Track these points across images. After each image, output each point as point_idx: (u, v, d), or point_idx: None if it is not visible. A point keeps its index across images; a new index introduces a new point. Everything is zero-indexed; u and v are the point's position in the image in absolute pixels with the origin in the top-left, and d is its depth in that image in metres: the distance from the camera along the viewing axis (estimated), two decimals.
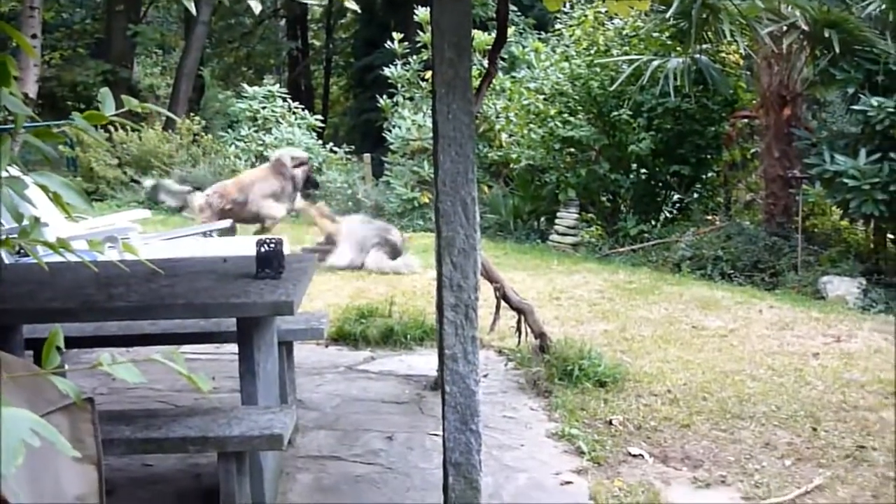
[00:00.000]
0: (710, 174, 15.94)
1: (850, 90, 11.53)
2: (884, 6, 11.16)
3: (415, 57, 17.91)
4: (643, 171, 15.46)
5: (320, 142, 20.01)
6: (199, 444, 4.32)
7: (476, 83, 5.71)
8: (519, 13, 23.46)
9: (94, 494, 2.31)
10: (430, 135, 5.07)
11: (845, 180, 10.67)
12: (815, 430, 6.02)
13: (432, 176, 4.28)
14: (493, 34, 7.40)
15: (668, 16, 11.49)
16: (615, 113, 14.93)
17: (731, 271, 12.10)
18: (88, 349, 6.39)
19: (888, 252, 11.85)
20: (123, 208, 17.56)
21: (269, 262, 5.02)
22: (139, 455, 5.23)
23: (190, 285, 4.86)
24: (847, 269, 11.25)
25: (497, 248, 14.07)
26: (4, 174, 2.20)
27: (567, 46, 16.59)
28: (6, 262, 7.27)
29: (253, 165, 19.43)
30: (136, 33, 27.92)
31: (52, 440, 1.70)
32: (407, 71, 18.01)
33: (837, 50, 10.60)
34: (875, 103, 10.65)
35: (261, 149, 19.03)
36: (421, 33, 16.81)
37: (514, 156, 16.27)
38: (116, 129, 20.57)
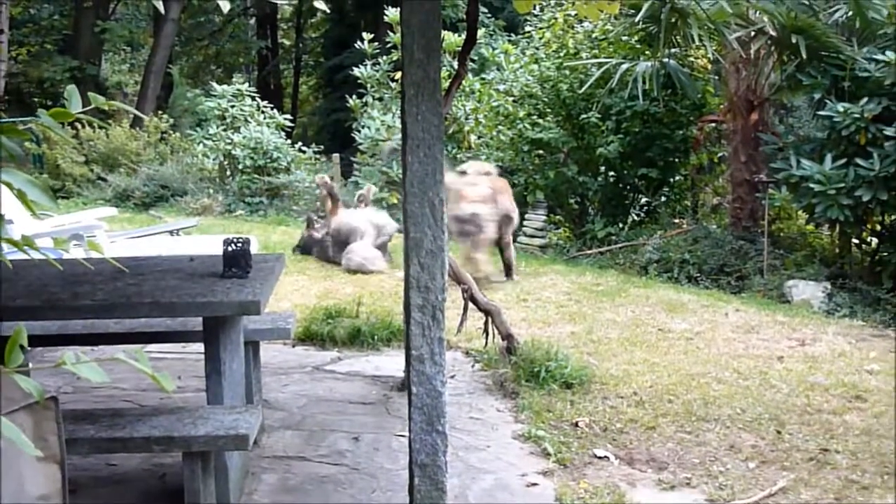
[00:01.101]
0: (677, 178, 16.00)
1: (817, 96, 11.59)
2: (850, 13, 11.24)
3: (384, 57, 17.89)
4: (611, 173, 15.50)
5: (289, 141, 19.93)
6: (164, 444, 4.29)
7: (445, 84, 5.71)
8: (489, 15, 23.51)
9: (57, 494, 2.30)
10: (399, 135, 5.05)
11: (811, 185, 10.74)
12: (779, 432, 6.06)
13: (401, 176, 4.27)
14: (463, 35, 7.39)
15: (637, 20, 11.52)
16: (584, 116, 14.95)
17: (698, 274, 12.15)
18: (53, 347, 6.35)
19: (853, 256, 11.93)
20: (90, 206, 17.47)
21: (236, 261, 5.00)
22: (103, 455, 5.21)
23: (156, 284, 4.83)
24: (812, 274, 11.31)
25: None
26: None
27: (536, 49, 16.61)
28: None
29: (221, 164, 19.37)
30: (105, 30, 27.76)
31: (15, 439, 1.69)
32: (377, 71, 17.99)
33: (804, 56, 10.67)
34: (841, 109, 10.73)
35: (229, 147, 18.93)
36: (391, 34, 16.78)
37: (482, 157, 16.26)
38: (83, 127, 20.46)
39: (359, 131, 17.65)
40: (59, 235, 8.19)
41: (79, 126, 20.28)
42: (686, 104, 14.79)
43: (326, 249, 12.22)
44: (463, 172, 11.79)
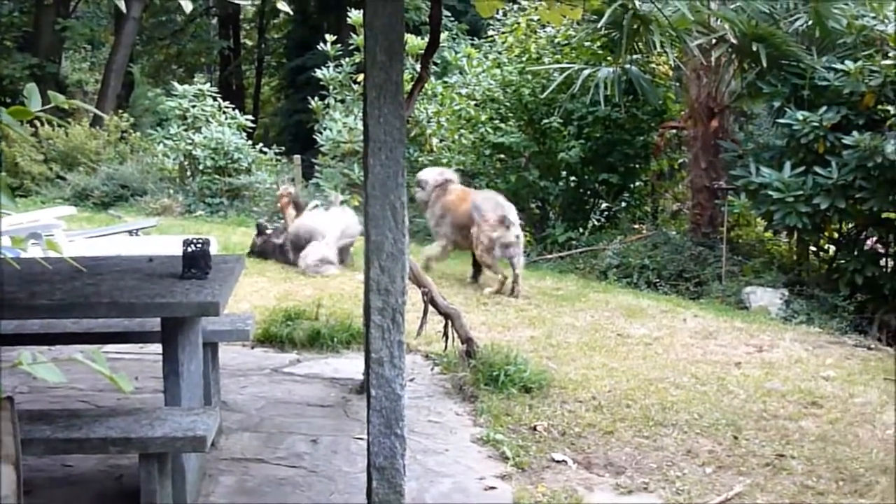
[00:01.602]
0: (638, 183, 16.09)
1: (777, 104, 11.69)
2: (810, 22, 11.34)
3: (347, 59, 17.86)
4: (572, 178, 15.55)
5: (250, 142, 19.85)
6: (121, 445, 4.27)
7: (408, 87, 5.72)
8: (452, 18, 23.51)
9: (11, 495, 2.28)
10: (361, 138, 5.06)
11: (770, 192, 10.83)
12: (735, 438, 6.10)
13: (362, 179, 4.27)
14: (426, 39, 7.39)
15: (599, 25, 11.54)
16: (546, 120, 15.00)
17: (657, 280, 12.21)
18: (9, 347, 6.30)
19: (810, 264, 12.05)
20: (48, 205, 17.35)
21: (196, 261, 4.99)
22: (59, 455, 5.17)
23: (115, 284, 4.80)
24: (770, 280, 11.41)
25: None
26: None
27: (499, 53, 16.66)
28: None
29: (181, 165, 19.28)
30: (66, 28, 27.53)
31: None
32: (339, 73, 17.95)
33: (765, 64, 10.75)
34: (800, 117, 10.83)
35: (189, 148, 18.83)
36: (354, 35, 16.75)
37: (444, 161, 16.26)
38: (42, 125, 20.28)
39: (320, 133, 17.60)
40: (17, 234, 8.13)
41: (38, 124, 20.09)
42: (647, 110, 14.89)
43: (287, 253, 12.18)
44: (421, 183, 11.78)
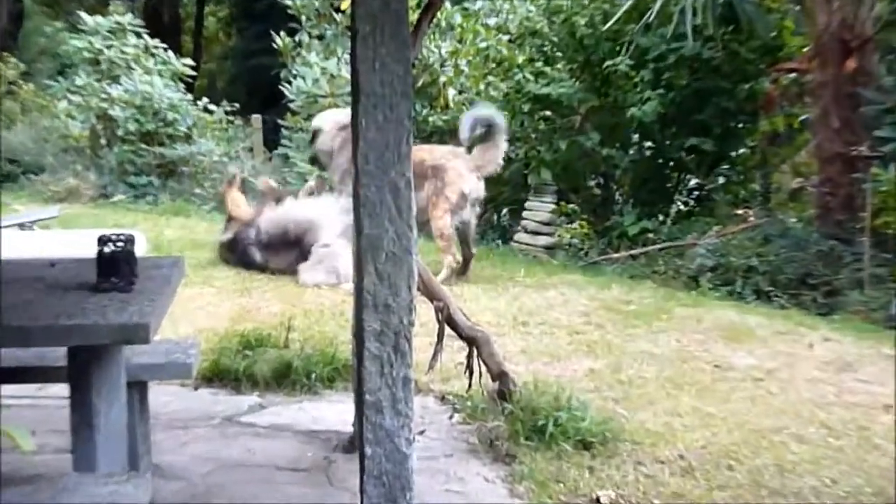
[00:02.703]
0: (741, 151, 16.07)
1: None
2: None
3: None
4: (647, 144, 15.56)
5: (189, 97, 19.91)
6: None
7: (414, 18, 5.73)
8: None
9: None
10: (348, 89, 5.01)
11: None
12: None
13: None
14: None
15: None
16: (609, 63, 14.99)
17: (770, 288, 12.19)
18: None
19: None
20: None
21: (116, 267, 4.99)
22: None
23: (2, 299, 4.82)
24: None
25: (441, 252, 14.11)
26: None
27: None
28: None
29: (93, 130, 19.31)
30: None
31: None
32: None
33: None
34: None
35: (105, 105, 18.87)
36: None
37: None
38: None
39: (289, 83, 17.64)
40: None
41: None
42: (754, 46, 14.85)
43: (251, 253, 12.21)
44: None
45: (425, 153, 12.43)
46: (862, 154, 12.68)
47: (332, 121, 12.72)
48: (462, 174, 12.31)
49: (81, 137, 19.56)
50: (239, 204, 12.80)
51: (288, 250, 12.07)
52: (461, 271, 12.34)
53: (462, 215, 12.38)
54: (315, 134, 12.85)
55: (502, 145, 12.48)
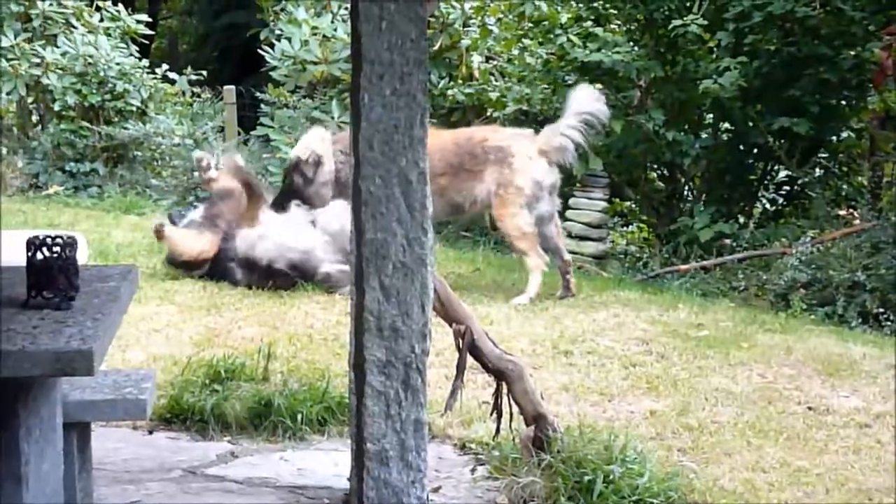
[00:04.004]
0: (844, 135, 16.05)
1: None
2: None
3: None
4: (725, 126, 15.54)
5: (145, 62, 19.94)
6: None
7: None
8: None
9: None
10: (347, 54, 4.99)
11: None
12: None
13: (348, 129, 4.29)
14: None
15: None
16: (677, 22, 14.99)
17: (880, 310, 12.17)
18: None
19: None
20: None
21: (51, 278, 4.99)
22: None
23: None
24: None
25: (461, 261, 14.10)
26: None
27: None
28: None
29: (22, 103, 19.36)
30: None
31: None
32: None
33: None
34: None
35: (37, 73, 18.91)
36: None
37: (494, 95, 16.31)
38: None
39: (271, 46, 17.66)
40: None
41: None
42: (863, 2, 14.82)
43: (231, 272, 12.24)
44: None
45: (488, 132, 12.61)
46: None
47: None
48: (532, 157, 12.40)
49: (6, 113, 19.60)
50: (178, 243, 12.72)
51: (282, 277, 12.11)
52: (564, 289, 12.37)
53: (539, 208, 12.46)
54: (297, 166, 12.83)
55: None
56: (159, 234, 12.98)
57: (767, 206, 15.32)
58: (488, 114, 16.70)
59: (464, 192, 12.27)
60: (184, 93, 20.57)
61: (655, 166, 15.80)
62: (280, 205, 12.64)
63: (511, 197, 12.25)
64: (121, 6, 20.91)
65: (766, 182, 15.60)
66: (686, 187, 15.75)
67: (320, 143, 12.88)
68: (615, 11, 15.59)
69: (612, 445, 7.21)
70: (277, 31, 17.69)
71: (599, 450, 7.17)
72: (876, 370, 9.89)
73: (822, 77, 14.95)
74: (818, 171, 15.68)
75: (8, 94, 19.43)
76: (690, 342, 10.57)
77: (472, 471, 7.59)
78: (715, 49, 15.03)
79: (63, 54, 18.80)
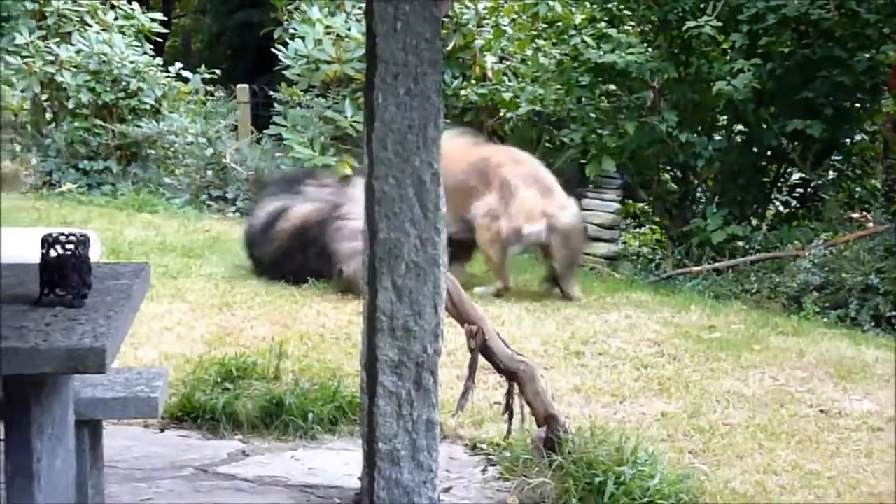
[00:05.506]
0: (857, 138, 16.03)
1: None
2: None
3: None
4: (738, 128, 15.53)
5: (159, 61, 19.93)
6: None
7: None
8: None
9: None
10: (361, 54, 4.98)
11: None
12: None
13: (361, 129, 4.28)
14: None
15: None
16: (691, 24, 14.98)
17: (894, 314, 12.16)
18: None
19: None
20: None
21: (64, 275, 4.99)
22: None
23: None
24: None
25: (472, 262, 14.09)
26: None
27: None
28: None
29: (36, 101, 19.36)
30: None
31: None
32: None
33: None
34: None
35: (51, 71, 18.92)
36: None
37: (507, 95, 16.30)
38: None
39: (284, 45, 17.66)
40: None
41: None
42: (878, 4, 14.81)
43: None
44: None
45: (502, 154, 12.63)
46: None
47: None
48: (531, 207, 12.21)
49: (21, 110, 19.60)
50: None
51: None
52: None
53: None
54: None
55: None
56: None
57: (780, 208, 15.31)
58: (501, 114, 16.74)
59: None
60: (197, 91, 20.55)
61: (668, 168, 15.79)
62: None
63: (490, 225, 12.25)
64: (135, 4, 20.90)
65: (779, 184, 15.59)
66: (699, 189, 15.74)
67: None
68: (629, 13, 15.58)
69: (623, 447, 7.21)
70: (291, 30, 17.68)
71: (610, 451, 7.16)
72: (888, 374, 9.88)
73: (836, 79, 14.94)
74: (831, 174, 15.66)
75: (22, 91, 19.45)
76: (702, 344, 10.57)
77: (483, 471, 7.59)
78: (729, 51, 15.02)
79: (77, 52, 18.79)
